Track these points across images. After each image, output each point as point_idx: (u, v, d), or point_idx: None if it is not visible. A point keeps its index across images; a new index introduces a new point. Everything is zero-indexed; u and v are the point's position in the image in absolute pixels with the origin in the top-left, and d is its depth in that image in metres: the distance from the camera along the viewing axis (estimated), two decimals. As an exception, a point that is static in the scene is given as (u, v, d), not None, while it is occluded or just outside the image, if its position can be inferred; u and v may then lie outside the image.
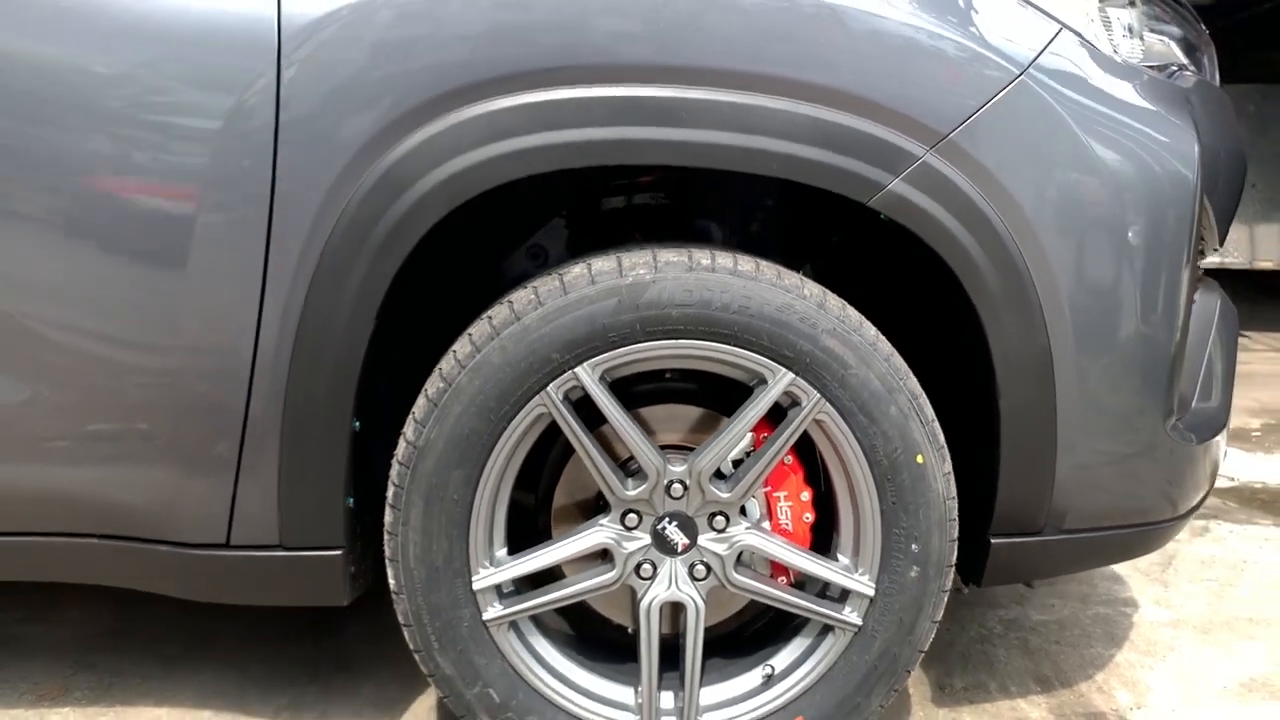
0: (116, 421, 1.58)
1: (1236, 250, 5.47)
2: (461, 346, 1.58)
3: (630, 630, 1.73)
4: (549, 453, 1.75)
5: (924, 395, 1.62)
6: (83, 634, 2.22)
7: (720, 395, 1.70)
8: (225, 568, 1.62)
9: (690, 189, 1.92)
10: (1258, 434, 3.90)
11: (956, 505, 1.64)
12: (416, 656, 1.64)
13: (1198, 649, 2.23)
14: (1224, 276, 4.35)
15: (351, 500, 1.63)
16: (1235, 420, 4.02)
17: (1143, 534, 1.75)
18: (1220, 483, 3.34)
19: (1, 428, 1.59)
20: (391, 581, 1.62)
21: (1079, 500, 1.66)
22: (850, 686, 1.67)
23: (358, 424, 1.59)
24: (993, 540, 1.68)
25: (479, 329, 1.58)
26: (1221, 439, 1.89)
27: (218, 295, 1.52)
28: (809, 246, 1.98)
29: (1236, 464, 3.54)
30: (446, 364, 1.59)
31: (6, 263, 1.53)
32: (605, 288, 1.56)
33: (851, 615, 1.66)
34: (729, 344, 1.57)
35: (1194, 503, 1.80)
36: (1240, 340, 5.41)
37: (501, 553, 1.65)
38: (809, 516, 1.71)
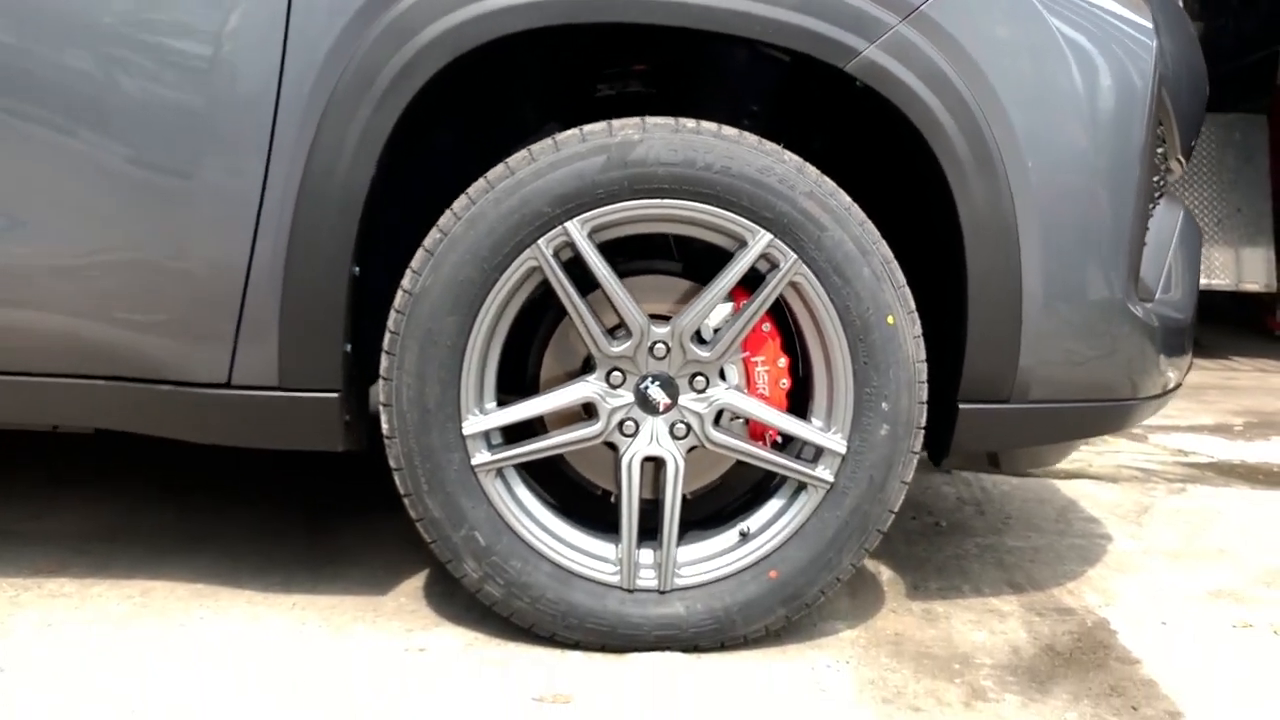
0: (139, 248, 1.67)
1: (1223, 272, 5.58)
2: (459, 203, 1.67)
3: (613, 498, 1.79)
4: (537, 331, 1.83)
5: (895, 262, 1.70)
6: (81, 530, 2.28)
7: (703, 271, 1.78)
8: (225, 407, 1.69)
9: (680, 83, 2.02)
10: (1239, 429, 3.97)
11: (926, 369, 1.72)
12: (406, 501, 1.71)
13: (1168, 569, 2.29)
14: (1211, 298, 4.47)
15: (349, 347, 1.70)
16: (1219, 419, 4.11)
17: (1104, 410, 1.82)
18: (1199, 459, 3.41)
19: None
20: (385, 426, 1.69)
21: (1042, 370, 1.73)
22: (823, 543, 1.73)
23: (357, 269, 1.68)
24: (961, 406, 1.75)
25: (476, 186, 1.67)
26: (1184, 336, 1.97)
27: (233, 133, 1.62)
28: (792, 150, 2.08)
29: (1217, 448, 3.60)
30: (444, 219, 1.67)
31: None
32: (595, 145, 1.65)
33: (824, 472, 1.72)
34: (711, 204, 1.66)
35: (1154, 390, 1.87)
36: (1226, 360, 5.54)
37: (491, 404, 1.72)
38: (785, 383, 1.78)
